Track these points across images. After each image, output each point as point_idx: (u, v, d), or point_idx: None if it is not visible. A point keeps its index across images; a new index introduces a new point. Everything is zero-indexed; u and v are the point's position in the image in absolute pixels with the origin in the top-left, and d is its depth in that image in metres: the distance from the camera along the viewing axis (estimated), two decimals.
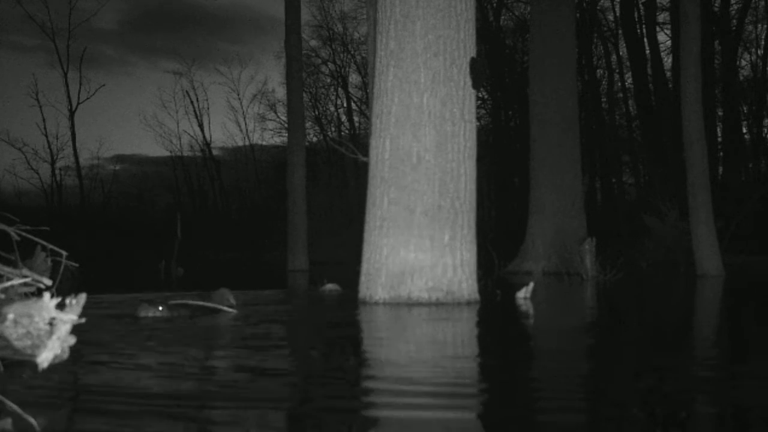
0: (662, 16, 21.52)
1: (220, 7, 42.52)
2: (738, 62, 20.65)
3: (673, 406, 1.97)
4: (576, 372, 2.54)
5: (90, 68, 48.47)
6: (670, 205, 13.34)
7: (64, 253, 3.23)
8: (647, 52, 21.22)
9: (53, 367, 1.72)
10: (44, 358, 1.61)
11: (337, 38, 28.93)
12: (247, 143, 30.83)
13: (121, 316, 3.99)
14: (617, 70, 23.66)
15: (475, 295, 5.19)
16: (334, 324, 4.16)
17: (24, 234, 3.19)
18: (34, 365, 1.65)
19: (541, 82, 11.16)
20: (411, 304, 4.91)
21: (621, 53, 23.28)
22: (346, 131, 28.99)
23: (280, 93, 31.79)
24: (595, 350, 3.17)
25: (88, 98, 31.00)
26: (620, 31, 22.72)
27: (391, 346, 3.21)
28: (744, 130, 20.56)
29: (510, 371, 2.53)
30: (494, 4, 24.37)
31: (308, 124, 26.83)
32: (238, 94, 39.84)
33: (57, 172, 28.83)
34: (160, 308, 4.00)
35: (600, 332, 3.97)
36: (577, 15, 18.12)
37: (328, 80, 29.69)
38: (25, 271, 2.41)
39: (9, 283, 2.04)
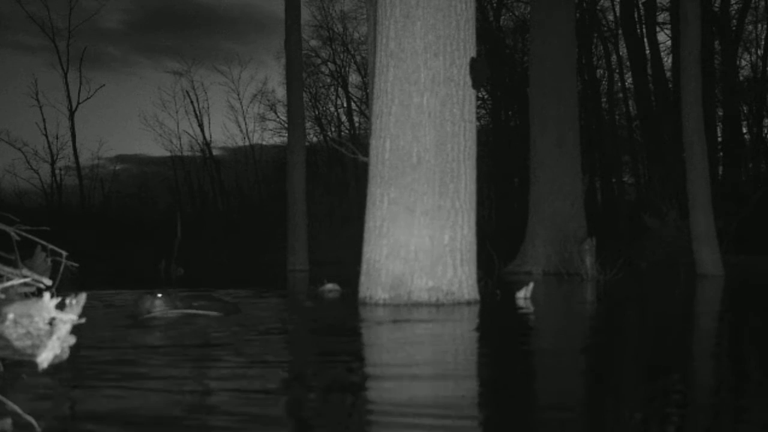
0: (662, 16, 21.51)
1: (226, 6, 42.49)
2: (738, 62, 20.63)
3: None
4: (576, 390, 2.54)
5: (93, 68, 48.31)
6: (670, 205, 13.35)
7: (64, 253, 3.23)
8: (647, 52, 21.20)
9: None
10: (44, 358, 1.61)
11: (337, 38, 28.90)
12: (247, 143, 30.81)
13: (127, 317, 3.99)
14: (617, 70, 23.63)
15: (475, 295, 5.19)
16: (333, 331, 4.14)
17: (24, 234, 3.18)
18: (34, 365, 1.65)
19: (541, 82, 11.15)
20: (411, 304, 4.91)
21: (621, 53, 23.26)
22: (346, 131, 28.95)
23: (280, 93, 31.75)
24: (594, 364, 3.17)
25: (88, 98, 30.94)
26: (620, 31, 22.70)
27: (393, 363, 3.17)
28: (744, 130, 20.54)
29: (510, 390, 2.52)
30: (494, 4, 24.35)
31: (308, 124, 26.80)
32: (238, 94, 39.79)
33: (57, 172, 28.81)
34: (159, 295, 3.97)
35: (599, 341, 3.97)
36: (577, 15, 18.12)
37: (328, 80, 29.67)
38: (25, 271, 2.40)
39: (9, 283, 2.04)
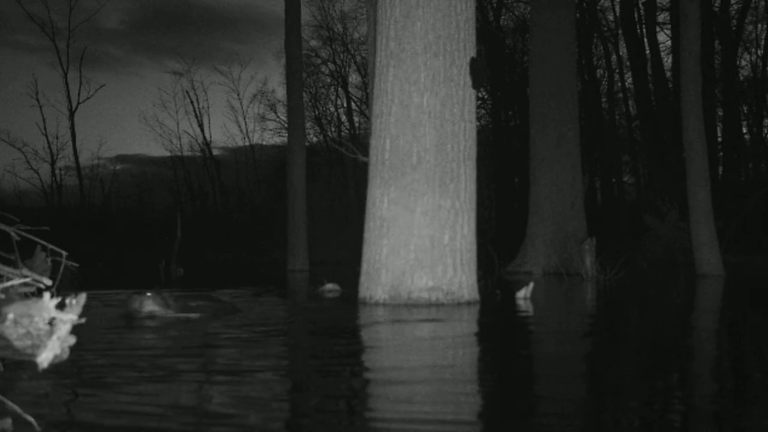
0: (662, 16, 21.52)
1: (226, 6, 42.49)
2: (738, 62, 20.63)
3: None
4: (576, 397, 2.54)
5: (93, 68, 48.43)
6: (670, 204, 13.35)
7: (64, 253, 3.23)
8: (647, 52, 21.21)
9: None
10: (44, 358, 1.61)
11: (337, 38, 28.90)
12: (247, 143, 30.82)
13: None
14: (617, 70, 23.64)
15: (475, 295, 5.19)
16: (333, 333, 4.14)
17: (24, 234, 3.18)
18: (34, 365, 1.65)
19: (541, 82, 11.16)
20: (411, 304, 4.91)
21: (621, 53, 23.27)
22: (346, 131, 28.95)
23: (280, 93, 31.79)
24: (594, 364, 3.17)
25: (88, 98, 30.99)
26: (620, 31, 22.71)
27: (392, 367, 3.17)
28: (744, 130, 20.54)
29: (510, 390, 2.52)
30: (494, 4, 24.35)
31: (308, 124, 26.79)
32: (238, 94, 39.85)
33: (57, 172, 28.81)
34: (149, 294, 3.97)
35: (599, 341, 3.97)
36: (577, 15, 18.11)
37: (328, 80, 29.67)
38: (25, 271, 2.40)
39: (9, 283, 2.04)
